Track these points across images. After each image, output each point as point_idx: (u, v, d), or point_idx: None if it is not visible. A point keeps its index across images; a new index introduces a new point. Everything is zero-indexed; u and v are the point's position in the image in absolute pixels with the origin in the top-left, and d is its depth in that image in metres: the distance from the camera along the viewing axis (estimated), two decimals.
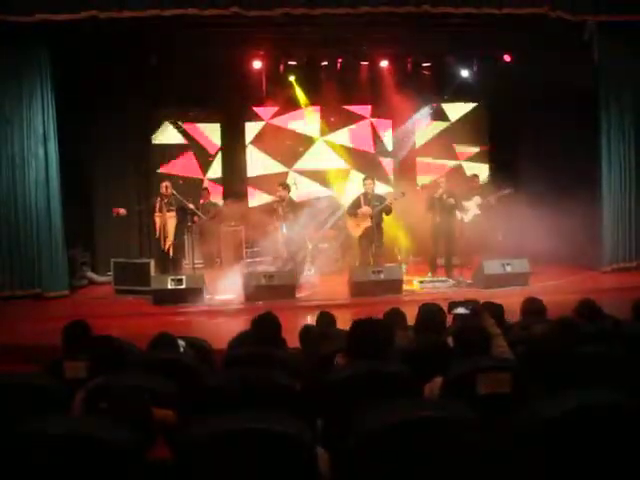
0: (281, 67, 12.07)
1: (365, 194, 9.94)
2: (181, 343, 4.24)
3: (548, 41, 10.21)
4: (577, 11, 9.33)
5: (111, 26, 8.93)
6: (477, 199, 10.77)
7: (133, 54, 10.72)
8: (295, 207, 10.09)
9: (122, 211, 9.81)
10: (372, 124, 13.18)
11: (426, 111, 12.82)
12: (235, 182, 12.76)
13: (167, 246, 9.71)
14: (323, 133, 13.05)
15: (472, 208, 10.71)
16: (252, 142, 12.85)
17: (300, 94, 12.48)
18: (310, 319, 6.66)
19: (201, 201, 11.44)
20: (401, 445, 2.29)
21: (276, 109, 12.69)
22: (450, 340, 3.76)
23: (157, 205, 9.75)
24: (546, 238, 9.70)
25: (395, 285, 9.17)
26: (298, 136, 12.96)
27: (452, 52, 11.77)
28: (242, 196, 12.40)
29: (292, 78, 12.29)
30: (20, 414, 2.81)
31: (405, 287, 9.34)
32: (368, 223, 9.74)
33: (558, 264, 10.30)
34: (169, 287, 9.01)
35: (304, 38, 10.92)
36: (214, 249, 11.41)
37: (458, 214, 10.39)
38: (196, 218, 10.21)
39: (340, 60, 12.14)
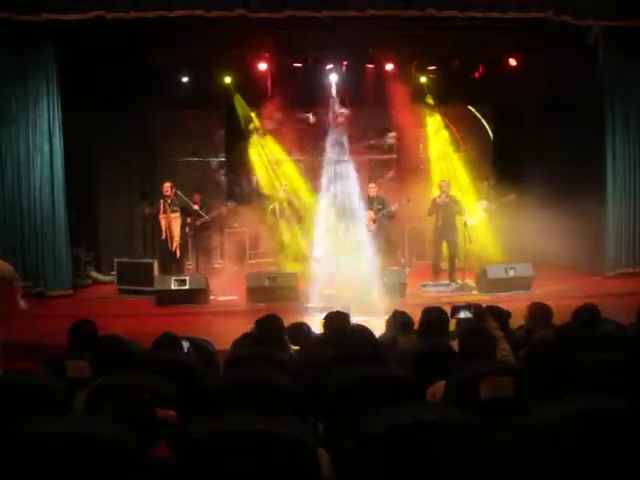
0: (286, 69, 12.06)
1: (369, 198, 9.92)
2: (185, 344, 4.24)
3: (553, 45, 10.20)
4: (581, 16, 9.33)
5: (116, 26, 8.94)
6: (484, 203, 10.75)
7: (138, 53, 10.72)
8: (298, 207, 10.12)
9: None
10: (376, 126, 13.14)
11: None
12: (239, 183, 12.77)
13: (175, 247, 9.70)
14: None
15: (479, 212, 10.68)
16: (256, 143, 12.84)
17: (305, 96, 12.46)
18: (315, 321, 6.64)
19: (195, 207, 10.22)
20: (403, 448, 2.28)
21: (281, 110, 12.68)
22: (453, 344, 3.75)
23: (161, 207, 9.76)
24: (550, 242, 9.69)
25: (398, 288, 9.14)
26: (303, 137, 12.95)
27: (457, 55, 11.75)
28: (246, 197, 12.39)
29: (298, 80, 12.28)
30: (22, 413, 2.82)
31: None
32: (371, 227, 9.73)
33: (562, 268, 10.27)
34: (172, 288, 9.03)
35: (309, 40, 10.92)
36: (216, 250, 11.36)
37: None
38: (192, 219, 10.11)
39: (345, 62, 12.13)
